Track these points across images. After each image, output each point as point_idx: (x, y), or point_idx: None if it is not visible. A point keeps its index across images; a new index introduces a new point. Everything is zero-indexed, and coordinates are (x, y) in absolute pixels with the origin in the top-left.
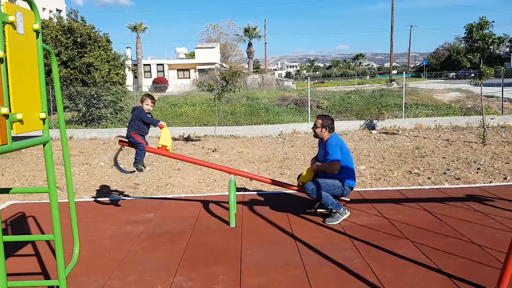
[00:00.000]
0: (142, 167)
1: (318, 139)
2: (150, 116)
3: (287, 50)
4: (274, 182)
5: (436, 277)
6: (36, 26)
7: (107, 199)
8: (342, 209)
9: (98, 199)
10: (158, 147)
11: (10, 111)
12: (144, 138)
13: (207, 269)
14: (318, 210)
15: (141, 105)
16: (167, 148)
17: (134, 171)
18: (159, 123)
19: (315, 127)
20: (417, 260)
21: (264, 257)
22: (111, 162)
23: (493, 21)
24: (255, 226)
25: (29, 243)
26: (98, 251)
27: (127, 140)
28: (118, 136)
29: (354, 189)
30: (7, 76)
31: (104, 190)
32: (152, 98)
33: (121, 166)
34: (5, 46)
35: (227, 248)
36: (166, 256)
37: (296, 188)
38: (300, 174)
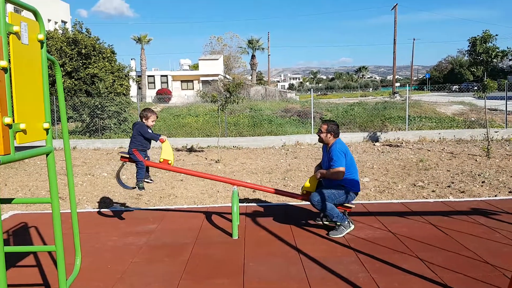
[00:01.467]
0: (143, 186)
1: (322, 144)
2: (150, 131)
3: (290, 62)
4: (277, 192)
5: None
6: (41, 36)
7: (110, 210)
8: (346, 222)
9: (101, 210)
10: (160, 161)
11: (14, 121)
12: (146, 153)
13: (209, 282)
14: (324, 222)
15: (144, 121)
16: (169, 162)
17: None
18: (160, 138)
19: (320, 132)
20: (422, 275)
21: (268, 270)
22: (114, 173)
23: (496, 34)
24: (258, 238)
25: (30, 254)
26: (99, 263)
27: (128, 156)
28: (119, 153)
29: (358, 202)
30: (11, 86)
31: (106, 201)
32: (156, 114)
33: (124, 182)
34: (9, 56)
35: (230, 260)
36: (168, 268)
37: (301, 197)
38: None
